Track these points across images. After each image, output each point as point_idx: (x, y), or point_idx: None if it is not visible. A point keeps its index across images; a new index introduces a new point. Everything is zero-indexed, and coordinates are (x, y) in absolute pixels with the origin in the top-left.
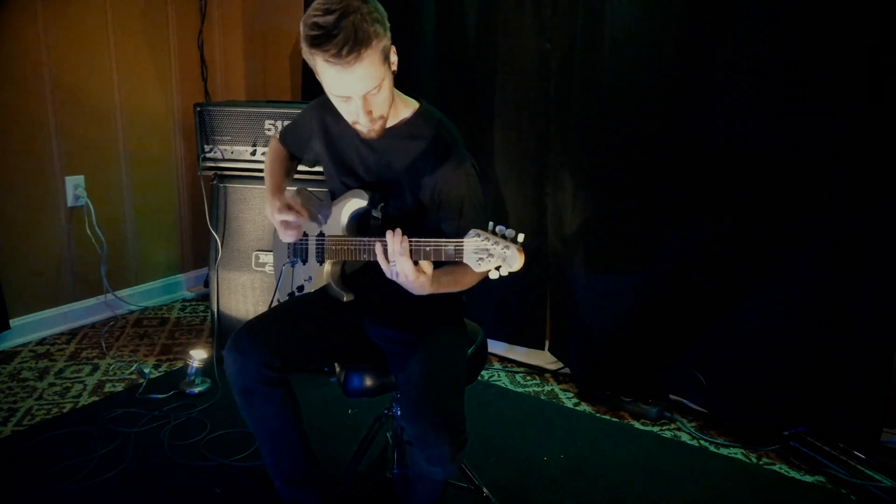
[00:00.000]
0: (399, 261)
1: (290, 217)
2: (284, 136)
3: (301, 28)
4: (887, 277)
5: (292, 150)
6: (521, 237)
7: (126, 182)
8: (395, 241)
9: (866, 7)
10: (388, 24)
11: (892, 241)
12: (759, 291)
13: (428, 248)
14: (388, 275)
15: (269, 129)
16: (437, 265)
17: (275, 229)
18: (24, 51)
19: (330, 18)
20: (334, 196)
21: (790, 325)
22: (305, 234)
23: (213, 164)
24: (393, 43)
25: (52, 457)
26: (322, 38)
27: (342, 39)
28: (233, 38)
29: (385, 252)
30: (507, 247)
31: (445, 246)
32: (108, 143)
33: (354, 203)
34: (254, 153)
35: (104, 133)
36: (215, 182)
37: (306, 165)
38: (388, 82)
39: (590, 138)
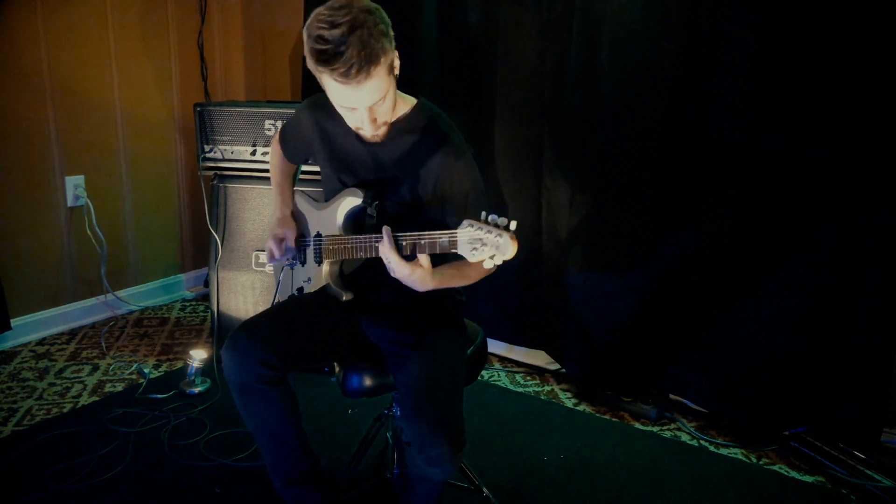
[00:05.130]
0: (388, 257)
1: (276, 251)
2: (284, 139)
3: (305, 39)
4: (887, 277)
5: (291, 155)
6: (513, 225)
7: (126, 182)
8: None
9: (867, 6)
10: (392, 34)
11: (892, 241)
12: (758, 291)
13: (423, 242)
14: (391, 273)
15: (269, 129)
16: (437, 259)
17: None
18: (24, 51)
19: (336, 33)
20: (330, 196)
21: (790, 324)
22: (304, 237)
23: (213, 164)
24: (395, 44)
25: (52, 457)
26: (329, 56)
27: (350, 57)
28: (233, 38)
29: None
30: (499, 235)
31: (440, 238)
32: (108, 143)
33: (349, 202)
34: (254, 153)
35: (104, 133)
36: (215, 182)
37: (301, 164)
38: (392, 90)
39: (589, 138)
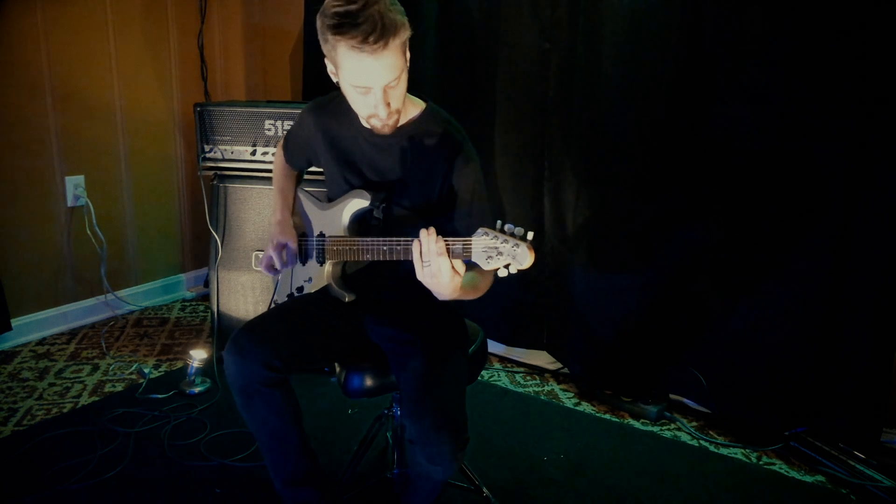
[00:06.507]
0: (436, 261)
1: (277, 262)
2: (286, 144)
3: (319, 20)
4: (887, 277)
5: (293, 159)
6: (530, 235)
7: (126, 182)
8: (431, 241)
9: (867, 10)
10: (406, 20)
11: (891, 241)
12: (759, 291)
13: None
14: (420, 276)
15: (269, 129)
16: None
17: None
18: (24, 51)
19: (353, 7)
20: (335, 196)
21: (790, 324)
22: (305, 235)
23: (213, 164)
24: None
25: (52, 457)
26: (348, 25)
27: (370, 27)
28: (233, 38)
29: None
30: (516, 245)
31: (454, 245)
32: (108, 143)
33: (356, 203)
34: (254, 153)
35: (104, 133)
36: (215, 182)
37: (304, 169)
38: (405, 76)
39: (591, 138)
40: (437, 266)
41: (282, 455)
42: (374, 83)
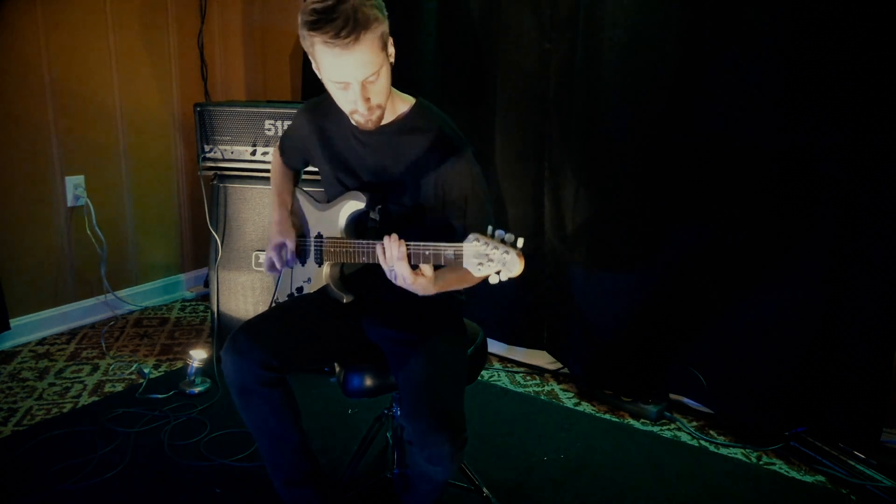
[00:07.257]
0: (397, 265)
1: (277, 262)
2: (282, 146)
3: (299, 18)
4: (887, 277)
5: (289, 161)
6: (520, 242)
7: (126, 182)
8: (392, 246)
9: (866, 9)
10: (386, 13)
11: (892, 241)
12: (759, 291)
13: (427, 253)
14: (389, 277)
15: (269, 129)
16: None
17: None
18: (24, 51)
19: (329, 3)
20: (331, 197)
21: (790, 324)
22: (303, 236)
23: (213, 164)
24: (395, 43)
25: (52, 457)
26: (321, 21)
27: (342, 21)
28: (233, 38)
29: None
30: (506, 252)
31: (445, 251)
32: (108, 143)
33: (352, 205)
34: (254, 153)
35: (104, 133)
36: (215, 182)
37: (301, 169)
38: (386, 71)
39: (590, 138)
40: (398, 270)
41: (281, 455)
42: (350, 78)
